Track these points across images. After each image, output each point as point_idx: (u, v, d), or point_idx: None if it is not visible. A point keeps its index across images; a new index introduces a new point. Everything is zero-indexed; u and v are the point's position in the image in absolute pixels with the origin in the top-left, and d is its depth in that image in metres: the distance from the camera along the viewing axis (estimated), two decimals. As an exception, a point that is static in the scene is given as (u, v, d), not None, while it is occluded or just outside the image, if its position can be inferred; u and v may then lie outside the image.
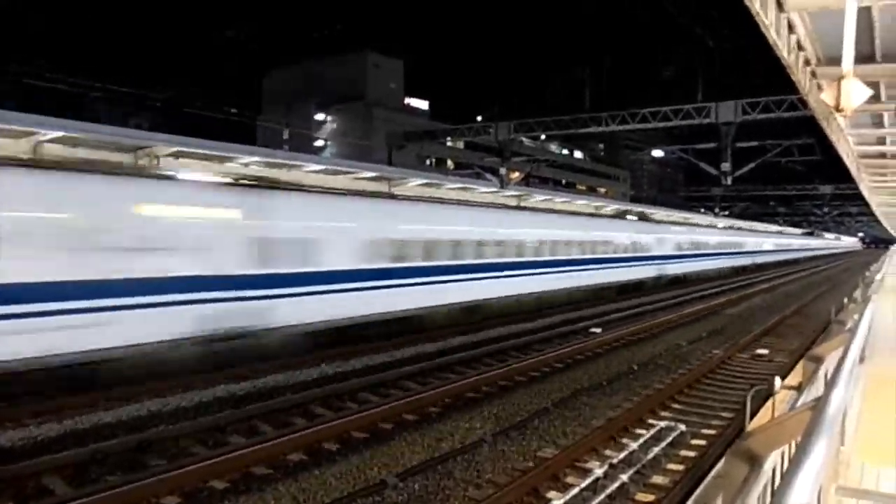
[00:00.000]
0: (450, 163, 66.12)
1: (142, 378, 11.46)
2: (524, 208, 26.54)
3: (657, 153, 49.63)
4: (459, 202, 22.40)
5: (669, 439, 9.52)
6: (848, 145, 15.09)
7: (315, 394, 11.51)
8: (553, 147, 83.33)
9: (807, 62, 8.78)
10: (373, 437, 9.53)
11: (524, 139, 43.55)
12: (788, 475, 1.67)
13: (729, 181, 24.77)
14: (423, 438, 9.51)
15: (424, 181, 22.16)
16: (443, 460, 8.62)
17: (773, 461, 2.70)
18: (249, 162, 16.25)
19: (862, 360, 5.21)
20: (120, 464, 8.23)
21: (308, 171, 17.68)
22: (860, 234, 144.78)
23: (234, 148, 16.20)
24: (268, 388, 11.94)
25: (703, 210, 62.46)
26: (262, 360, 13.33)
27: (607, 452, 9.08)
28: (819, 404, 2.36)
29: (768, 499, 2.61)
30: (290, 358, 13.81)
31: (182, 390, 11.37)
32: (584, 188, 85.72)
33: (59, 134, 12.10)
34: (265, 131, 59.04)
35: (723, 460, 3.42)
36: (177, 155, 14.32)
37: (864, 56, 7.95)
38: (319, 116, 64.05)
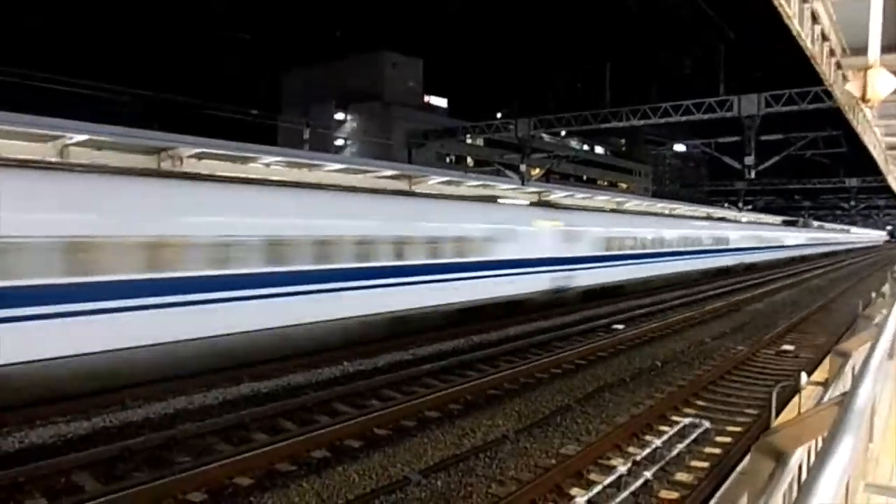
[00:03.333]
0: (469, 160, 66.08)
1: (168, 377, 11.62)
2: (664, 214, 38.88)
3: (679, 147, 49.27)
4: (636, 213, 34.45)
5: (694, 436, 9.44)
6: (875, 137, 14.80)
7: (338, 391, 11.59)
8: (573, 143, 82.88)
9: (831, 52, 8.63)
10: (396, 434, 9.57)
11: (544, 135, 43.37)
12: (814, 471, 1.65)
13: (753, 175, 24.47)
14: (446, 435, 9.53)
15: (445, 179, 22.19)
16: (465, 457, 8.63)
17: (800, 457, 2.67)
18: (271, 162, 16.39)
19: (891, 355, 5.12)
20: (147, 461, 8.37)
21: (329, 170, 17.79)
22: (889, 228, 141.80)
23: (256, 148, 16.39)
24: (291, 386, 12.05)
25: (726, 205, 61.73)
26: (285, 359, 13.44)
27: (630, 449, 9.03)
28: (846, 400, 2.33)
29: (794, 495, 2.58)
30: (313, 356, 13.91)
31: (207, 388, 11.50)
32: (605, 184, 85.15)
33: (85, 137, 12.32)
34: (285, 132, 59.46)
35: (748, 456, 3.38)
36: (200, 156, 14.50)
37: (891, 45, 7.78)
38: (339, 116, 64.37)
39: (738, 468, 4.85)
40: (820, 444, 2.50)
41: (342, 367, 13.43)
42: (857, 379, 2.71)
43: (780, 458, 2.50)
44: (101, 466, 8.09)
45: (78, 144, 12.54)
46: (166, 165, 13.87)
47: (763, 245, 52.00)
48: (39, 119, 11.91)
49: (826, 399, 3.68)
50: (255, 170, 16.02)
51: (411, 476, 7.91)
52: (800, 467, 2.70)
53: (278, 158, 16.52)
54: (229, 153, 14.96)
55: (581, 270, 23.62)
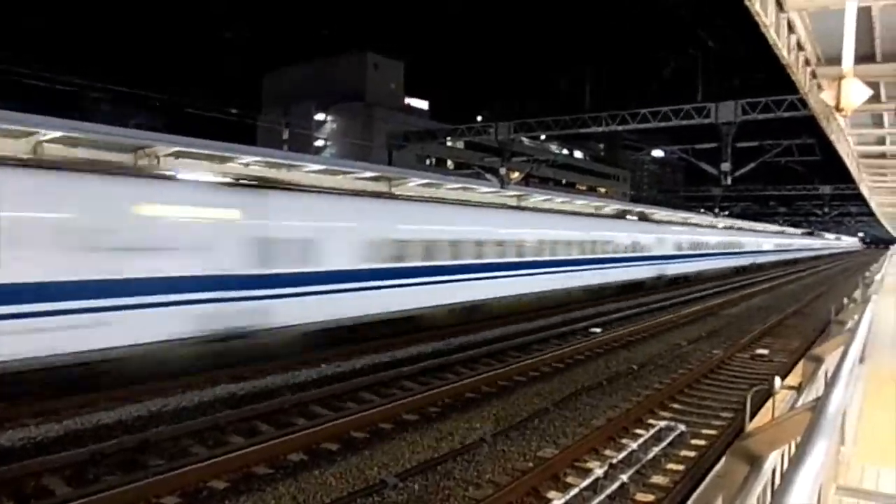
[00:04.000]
0: (450, 163, 66.15)
1: (142, 378, 11.46)
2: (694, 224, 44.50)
3: (657, 153, 49.60)
4: (681, 223, 41.51)
5: (669, 439, 9.52)
6: (848, 145, 15.09)
7: (315, 394, 11.51)
8: (553, 147, 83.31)
9: (807, 62, 8.79)
10: (373, 436, 9.53)
11: (524, 139, 43.63)
12: (788, 475, 1.66)
13: (729, 181, 24.79)
14: (424, 438, 9.51)
15: (425, 181, 22.18)
16: (443, 460, 8.62)
17: (774, 461, 2.70)
18: (250, 162, 16.26)
19: (862, 360, 5.20)
20: (120, 464, 8.23)
21: (308, 171, 17.69)
22: (860, 234, 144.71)
23: (235, 148, 16.23)
24: (268, 389, 11.94)
25: (702, 210, 62.47)
26: (262, 361, 13.33)
27: (607, 452, 9.08)
28: (819, 404, 2.36)
29: (768, 499, 2.61)
30: (290, 358, 13.81)
31: (182, 390, 11.36)
32: (584, 188, 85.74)
33: (59, 134, 12.11)
34: (265, 131, 59.07)
35: (723, 460, 3.42)
36: (177, 155, 14.33)
37: (864, 56, 7.95)
38: (319, 116, 64.10)
39: (713, 471, 4.89)
40: (794, 448, 2.53)
41: (320, 370, 13.34)
42: (830, 384, 2.75)
43: (755, 461, 2.53)
44: (72, 469, 7.94)
45: (52, 141, 12.32)
46: (143, 163, 13.69)
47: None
48: (11, 114, 11.68)
49: (799, 403, 3.73)
50: (233, 169, 15.87)
51: (388, 479, 7.88)
52: (774, 471, 2.74)
53: (257, 158, 16.38)
54: (207, 152, 14.80)
55: (669, 265, 36.08)
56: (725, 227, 53.92)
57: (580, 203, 32.16)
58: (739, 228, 58.88)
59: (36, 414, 9.70)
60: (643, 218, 35.78)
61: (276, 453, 8.54)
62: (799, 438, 2.14)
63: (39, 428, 9.23)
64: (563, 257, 24.94)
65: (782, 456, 2.93)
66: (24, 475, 7.63)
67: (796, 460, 1.76)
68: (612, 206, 35.67)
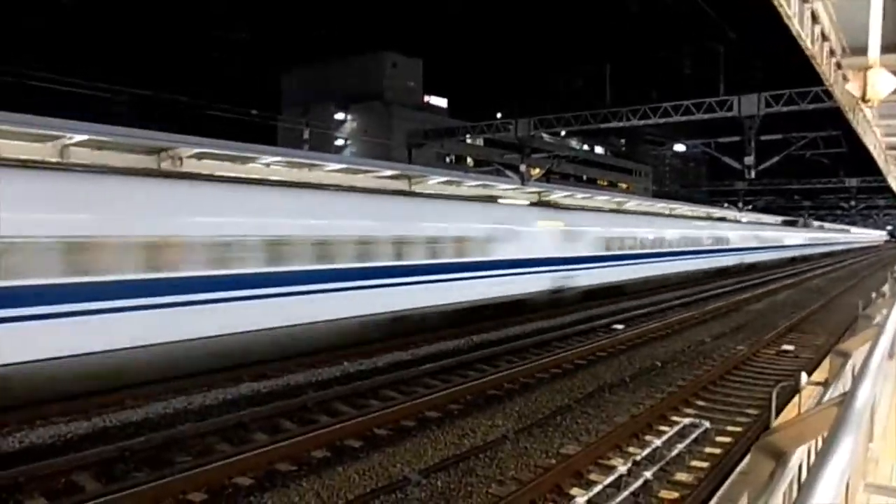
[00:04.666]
0: (469, 160, 66.08)
1: (167, 377, 11.61)
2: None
3: (679, 147, 49.19)
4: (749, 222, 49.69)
5: (694, 436, 9.44)
6: (875, 137, 14.80)
7: (338, 391, 11.59)
8: (573, 143, 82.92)
9: (831, 52, 8.63)
10: (396, 434, 9.57)
11: (544, 135, 43.40)
12: (814, 471, 1.65)
13: (752, 175, 24.48)
14: (446, 435, 9.52)
15: (445, 179, 22.19)
16: (465, 457, 8.63)
17: (800, 457, 2.67)
18: (271, 162, 16.40)
19: (891, 355, 5.12)
20: (147, 461, 8.36)
21: (329, 170, 17.79)
22: (889, 228, 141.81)
23: (256, 149, 16.38)
24: (291, 386, 12.05)
25: (726, 204, 61.76)
26: (285, 359, 13.44)
27: (631, 449, 9.03)
28: (846, 399, 2.33)
29: (794, 495, 2.58)
30: (313, 356, 13.92)
31: (207, 389, 11.51)
32: (605, 184, 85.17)
33: (85, 137, 12.32)
34: (285, 132, 59.46)
35: (748, 457, 3.38)
36: (200, 156, 14.50)
37: (891, 45, 7.78)
38: (339, 116, 64.39)
39: (738, 468, 4.85)
40: (820, 444, 2.50)
41: (342, 367, 13.43)
42: (857, 379, 2.71)
43: (781, 458, 2.50)
44: (100, 466, 8.08)
45: (78, 144, 12.53)
46: (166, 165, 13.87)
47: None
48: (39, 119, 11.90)
49: (826, 399, 3.68)
50: (255, 170, 16.02)
51: (411, 476, 7.91)
52: (800, 467, 2.71)
53: (278, 158, 16.52)
54: (229, 153, 14.95)
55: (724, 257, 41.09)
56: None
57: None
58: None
59: (65, 412, 9.89)
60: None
61: (299, 450, 8.61)
62: (825, 434, 2.12)
63: (69, 425, 9.41)
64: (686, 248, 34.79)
65: (808, 452, 2.90)
66: (55, 472, 7.79)
67: (822, 456, 1.73)
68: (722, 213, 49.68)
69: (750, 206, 62.33)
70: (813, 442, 2.83)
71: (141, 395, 10.90)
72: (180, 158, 14.09)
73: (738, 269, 44.19)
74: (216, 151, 14.62)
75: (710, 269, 38.35)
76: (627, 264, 27.60)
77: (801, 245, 65.77)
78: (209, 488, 7.54)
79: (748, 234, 48.13)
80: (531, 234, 21.08)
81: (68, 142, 12.39)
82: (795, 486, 2.61)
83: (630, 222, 30.07)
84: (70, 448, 8.65)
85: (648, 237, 30.43)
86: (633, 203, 36.13)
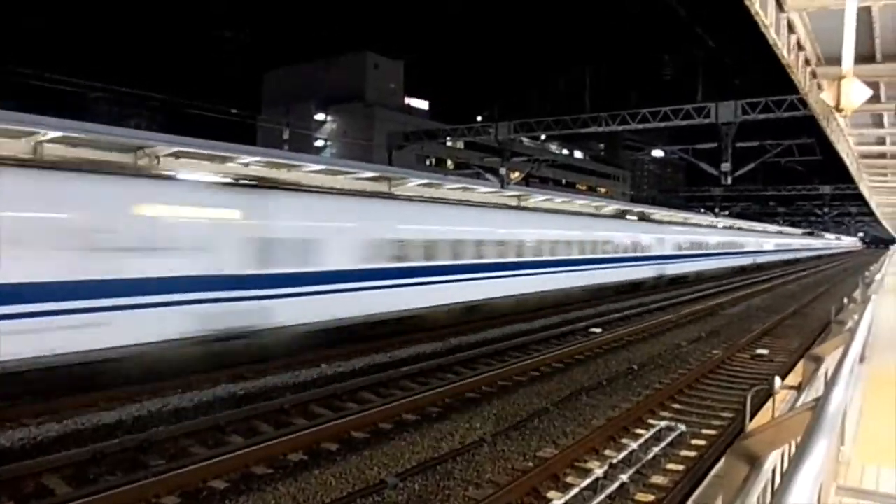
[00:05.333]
0: (450, 163, 66.11)
1: (142, 378, 11.45)
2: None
3: (657, 153, 49.57)
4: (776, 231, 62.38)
5: (669, 439, 9.52)
6: (848, 145, 15.10)
7: (315, 394, 11.51)
8: (553, 147, 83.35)
9: (807, 62, 8.79)
10: (373, 437, 9.53)
11: (524, 139, 43.61)
12: (788, 475, 1.66)
13: (729, 181, 24.76)
14: (424, 438, 9.51)
15: (425, 181, 22.17)
16: (443, 460, 8.62)
17: (774, 461, 2.70)
18: (250, 162, 16.25)
19: (862, 359, 5.20)
20: (120, 463, 8.23)
21: (308, 171, 17.68)
22: (860, 234, 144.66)
23: (235, 148, 16.22)
24: (268, 388, 11.94)
25: (703, 210, 62.51)
26: (262, 361, 13.32)
27: (607, 452, 9.08)
28: (819, 404, 2.36)
29: (768, 499, 2.61)
30: (290, 358, 13.81)
31: (182, 390, 11.36)
32: (584, 188, 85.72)
33: (59, 134, 12.11)
34: (265, 131, 59.06)
35: (723, 460, 3.42)
36: (177, 155, 14.33)
37: (864, 56, 7.95)
38: (319, 116, 64.09)
39: (713, 472, 4.90)
40: (794, 448, 2.53)
41: (320, 370, 13.34)
42: (830, 384, 2.75)
43: (755, 461, 2.52)
44: (72, 469, 7.94)
45: (52, 141, 12.31)
46: (143, 163, 13.68)
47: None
48: (12, 114, 11.67)
49: (799, 403, 3.73)
50: (233, 169, 15.87)
51: (388, 479, 7.88)
52: (774, 471, 2.73)
53: (257, 158, 16.38)
54: (207, 152, 14.79)
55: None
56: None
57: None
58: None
59: (36, 413, 9.70)
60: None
61: (276, 453, 8.54)
62: (799, 438, 2.14)
63: (39, 428, 9.23)
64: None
65: (782, 456, 2.93)
66: (24, 475, 7.63)
67: (796, 460, 1.75)
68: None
69: (727, 212, 63.17)
70: (787, 446, 2.86)
71: (115, 396, 10.73)
72: (157, 157, 13.92)
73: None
74: (194, 150, 14.46)
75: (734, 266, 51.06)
76: (692, 261, 40.55)
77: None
78: (183, 491, 7.44)
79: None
80: (646, 239, 33.37)
81: (42, 138, 12.17)
82: (770, 491, 2.64)
83: (693, 232, 42.82)
84: (40, 451, 8.49)
85: (705, 242, 44.10)
86: (696, 218, 49.11)
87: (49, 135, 12.04)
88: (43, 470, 7.79)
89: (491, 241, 20.92)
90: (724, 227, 53.32)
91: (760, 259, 60.26)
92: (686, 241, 40.08)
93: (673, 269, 36.92)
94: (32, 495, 7.34)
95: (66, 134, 12.19)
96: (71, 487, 7.49)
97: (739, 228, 58.76)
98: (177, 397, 11.00)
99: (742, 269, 53.34)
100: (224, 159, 15.57)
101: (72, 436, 9.11)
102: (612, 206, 35.59)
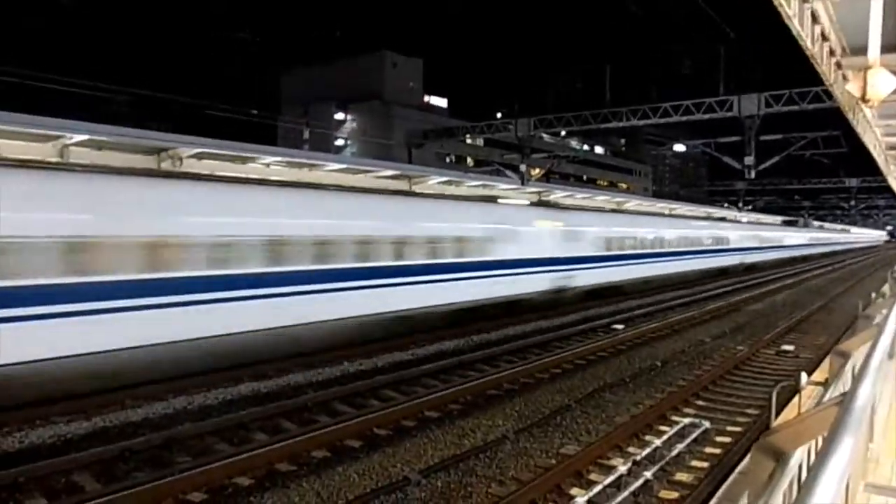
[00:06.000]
0: (469, 160, 66.07)
1: (167, 377, 11.62)
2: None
3: (679, 147, 49.06)
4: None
5: (694, 436, 9.44)
6: (875, 136, 14.80)
7: (338, 391, 11.59)
8: (573, 143, 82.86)
9: (831, 52, 8.63)
10: (396, 434, 9.57)
11: (544, 135, 43.34)
12: (814, 471, 1.65)
13: (752, 175, 24.47)
14: (446, 435, 9.53)
15: (445, 179, 22.18)
16: (465, 457, 8.63)
17: (799, 457, 2.67)
18: (271, 162, 16.39)
19: (891, 355, 5.11)
20: (147, 461, 8.37)
21: (329, 170, 17.79)
22: (889, 228, 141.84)
23: (256, 149, 16.37)
24: (291, 386, 12.05)
25: (726, 204, 61.81)
26: (285, 359, 13.45)
27: (631, 449, 9.03)
28: (846, 399, 2.33)
29: (794, 495, 2.58)
30: (313, 356, 13.92)
31: (207, 389, 11.51)
32: (605, 184, 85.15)
33: (85, 137, 12.32)
34: (285, 132, 59.44)
35: (748, 456, 3.38)
36: (199, 156, 14.49)
37: (891, 45, 7.77)
38: (339, 116, 64.33)
39: (738, 468, 4.85)
40: (820, 444, 2.50)
41: (342, 367, 13.43)
42: (857, 379, 2.71)
43: (780, 458, 2.50)
44: (101, 466, 8.09)
45: (78, 144, 12.53)
46: (166, 166, 13.87)
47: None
48: (39, 119, 11.90)
49: (826, 399, 3.68)
50: (255, 170, 16.03)
51: (411, 476, 7.91)
52: (800, 467, 2.71)
53: (278, 158, 16.52)
54: (229, 153, 14.95)
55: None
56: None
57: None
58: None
59: (65, 412, 9.89)
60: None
61: (299, 450, 8.62)
62: (825, 434, 2.12)
63: (69, 426, 9.41)
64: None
65: (808, 452, 2.90)
66: (55, 472, 7.79)
67: (822, 456, 1.74)
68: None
69: (750, 207, 62.41)
70: (813, 442, 2.83)
71: (141, 395, 10.90)
72: (180, 158, 14.09)
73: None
74: (216, 151, 14.62)
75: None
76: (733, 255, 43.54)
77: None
78: (209, 488, 7.54)
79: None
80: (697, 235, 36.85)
81: (68, 142, 12.39)
82: (795, 487, 2.61)
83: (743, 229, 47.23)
84: (70, 448, 8.65)
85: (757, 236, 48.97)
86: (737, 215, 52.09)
87: (75, 138, 12.26)
88: (73, 467, 7.95)
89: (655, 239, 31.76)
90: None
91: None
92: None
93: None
94: (63, 492, 7.49)
95: (91, 137, 12.40)
96: (100, 484, 7.63)
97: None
98: (202, 395, 11.14)
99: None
100: (245, 160, 15.72)
101: (100, 433, 9.28)
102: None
